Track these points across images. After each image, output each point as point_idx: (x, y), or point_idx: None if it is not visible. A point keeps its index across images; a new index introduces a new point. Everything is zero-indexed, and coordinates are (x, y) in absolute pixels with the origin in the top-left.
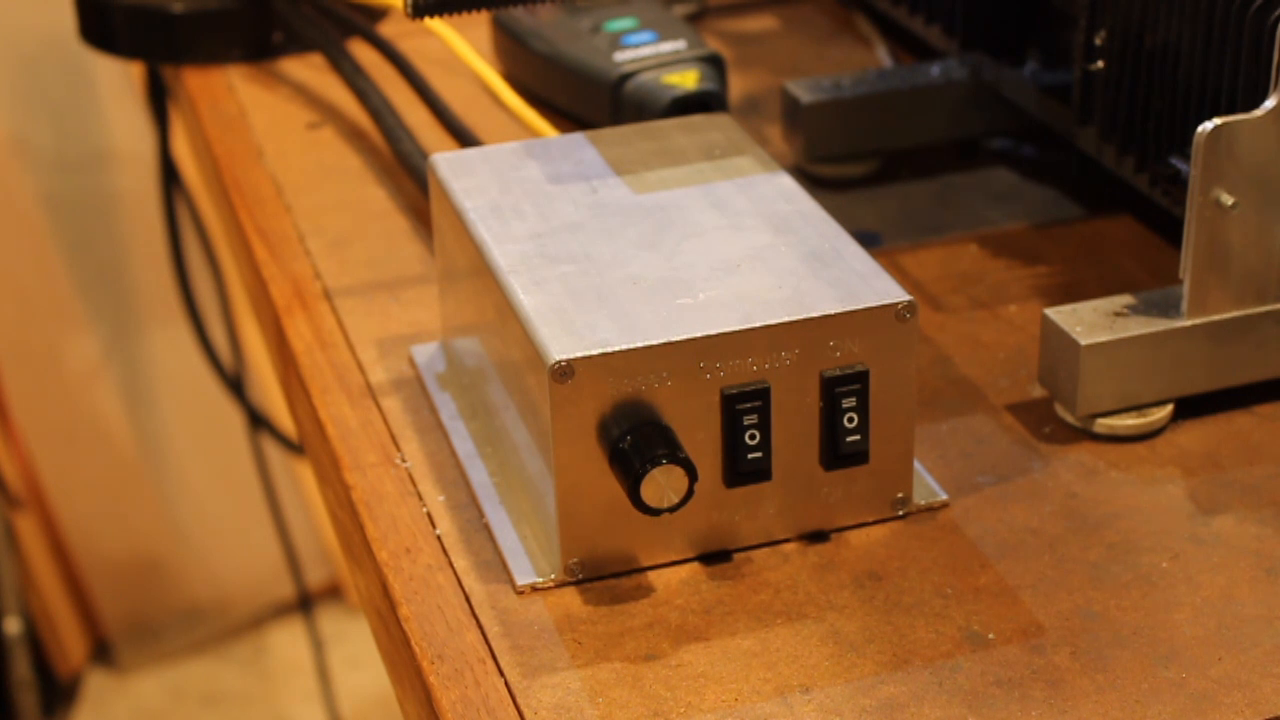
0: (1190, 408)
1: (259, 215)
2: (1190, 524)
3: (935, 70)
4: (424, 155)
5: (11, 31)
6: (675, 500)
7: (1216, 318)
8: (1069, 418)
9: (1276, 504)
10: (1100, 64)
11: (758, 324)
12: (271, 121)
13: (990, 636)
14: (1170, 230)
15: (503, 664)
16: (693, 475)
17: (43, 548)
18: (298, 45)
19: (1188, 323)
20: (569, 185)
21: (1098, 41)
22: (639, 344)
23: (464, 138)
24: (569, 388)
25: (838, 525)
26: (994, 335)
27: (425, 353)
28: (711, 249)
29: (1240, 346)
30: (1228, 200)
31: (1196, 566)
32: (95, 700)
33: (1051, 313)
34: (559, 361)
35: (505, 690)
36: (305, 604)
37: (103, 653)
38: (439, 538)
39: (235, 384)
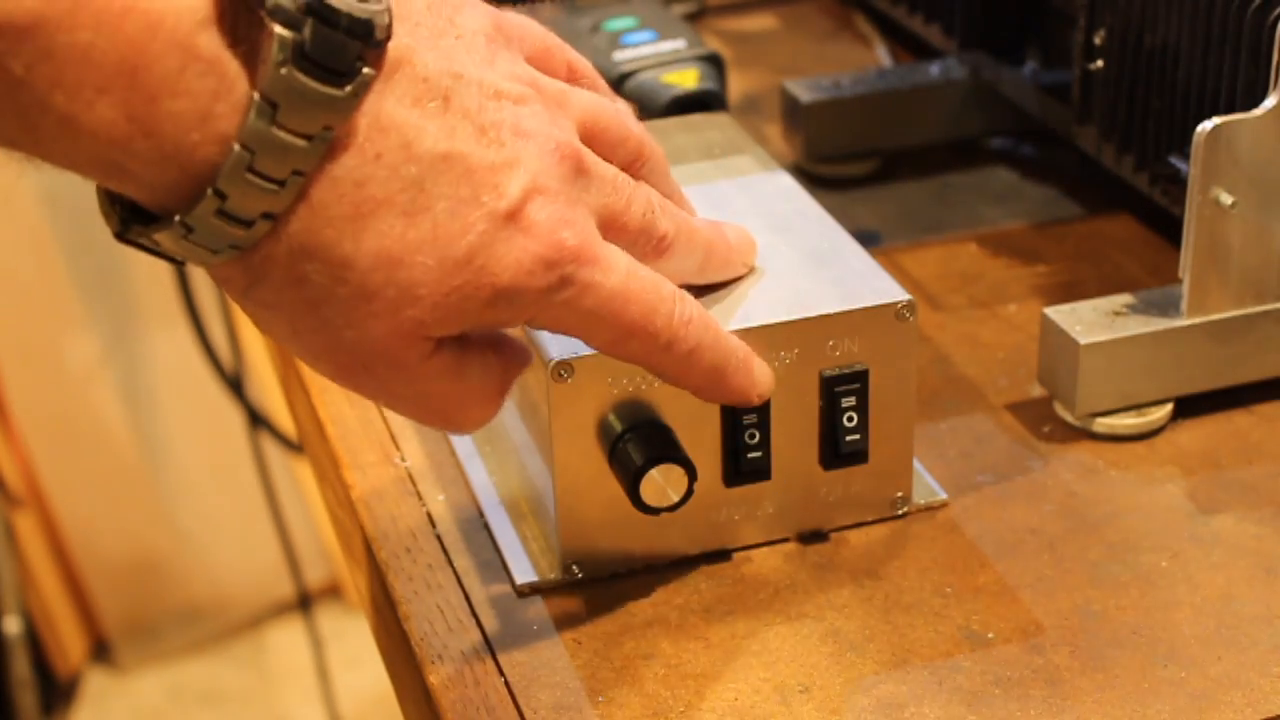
0: (1189, 407)
1: None
2: (1189, 523)
3: (935, 70)
4: None
5: None
6: (675, 500)
7: (1216, 317)
8: (1068, 417)
9: (1276, 503)
10: (1099, 63)
11: (757, 323)
12: None
13: (990, 636)
14: (1170, 229)
15: (503, 664)
16: (692, 475)
17: (43, 547)
18: None
19: (1187, 322)
20: None
21: (1097, 41)
22: None
23: None
24: (569, 387)
25: (837, 525)
26: (993, 334)
27: None
28: None
29: (1240, 346)
30: (1227, 199)
31: (1196, 566)
32: (95, 699)
33: (1051, 312)
34: (559, 361)
35: (505, 690)
36: (305, 603)
37: (102, 652)
38: (439, 537)
39: (235, 384)
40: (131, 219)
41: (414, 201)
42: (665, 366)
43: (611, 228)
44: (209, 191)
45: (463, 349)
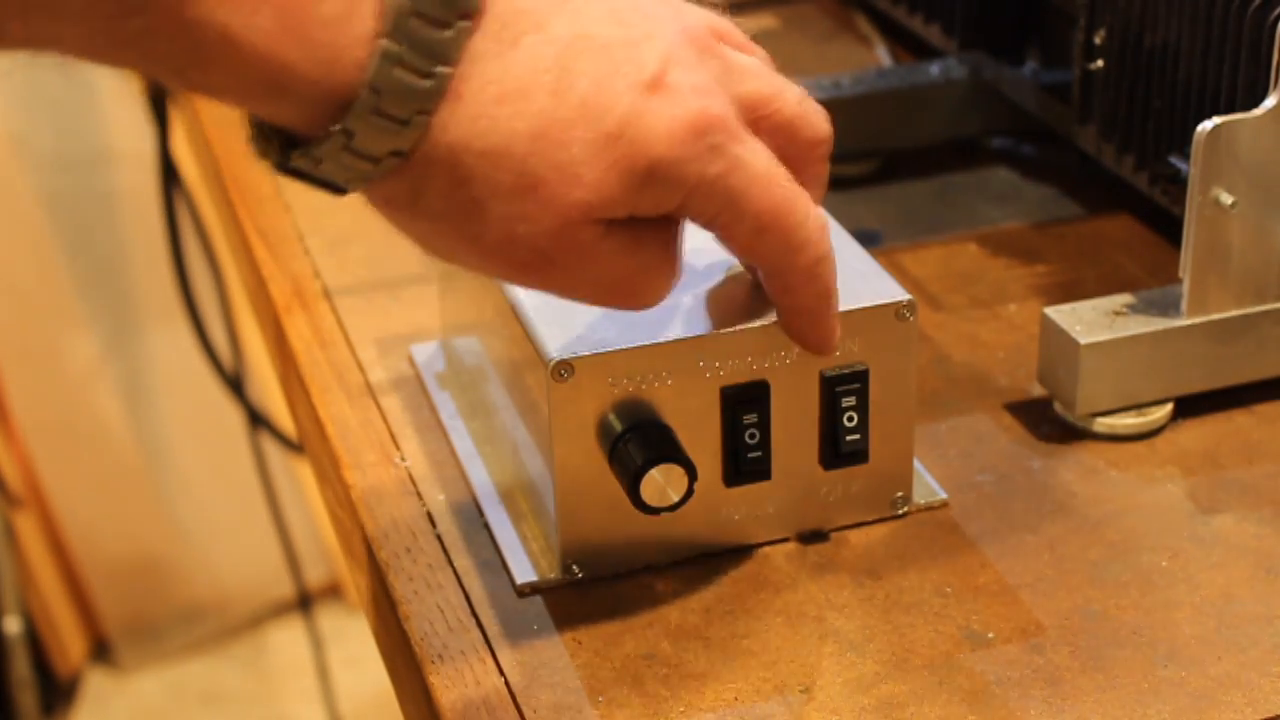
0: (1189, 407)
1: (258, 214)
2: (1190, 523)
3: (935, 70)
4: None
5: None
6: (675, 499)
7: (1216, 317)
8: (1068, 417)
9: (1276, 503)
10: (1100, 63)
11: (757, 323)
12: None
13: (990, 635)
14: (1170, 229)
15: (503, 664)
16: (692, 474)
17: (43, 547)
18: None
19: (1187, 322)
20: None
21: (1097, 40)
22: (638, 343)
23: None
24: (569, 387)
25: (837, 524)
26: (993, 334)
27: (425, 352)
28: (711, 248)
29: (1240, 345)
30: (1227, 199)
31: (1196, 565)
32: (95, 699)
33: (1051, 312)
34: (559, 361)
35: (505, 690)
36: (305, 603)
37: (102, 652)
38: (439, 537)
39: (235, 383)
40: (291, 149)
41: (559, 80)
42: (790, 272)
43: (759, 115)
44: (364, 91)
45: (634, 223)
